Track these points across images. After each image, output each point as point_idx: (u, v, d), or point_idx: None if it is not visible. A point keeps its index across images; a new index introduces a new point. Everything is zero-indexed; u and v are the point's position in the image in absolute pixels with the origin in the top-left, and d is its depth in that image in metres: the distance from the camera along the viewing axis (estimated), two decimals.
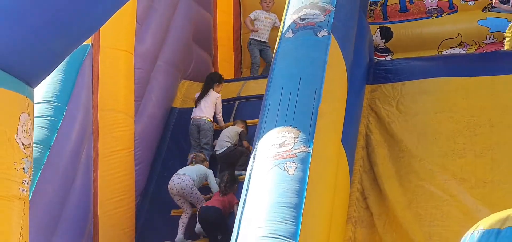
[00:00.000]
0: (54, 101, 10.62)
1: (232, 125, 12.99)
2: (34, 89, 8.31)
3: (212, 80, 13.31)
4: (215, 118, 13.17)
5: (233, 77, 15.44)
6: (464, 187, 10.96)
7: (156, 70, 13.29)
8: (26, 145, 7.99)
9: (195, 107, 13.11)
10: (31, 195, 8.61)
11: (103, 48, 11.74)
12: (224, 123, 13.24)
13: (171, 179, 11.90)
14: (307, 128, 9.41)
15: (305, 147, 9.19)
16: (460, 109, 12.02)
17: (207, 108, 13.02)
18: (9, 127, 7.76)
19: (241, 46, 16.12)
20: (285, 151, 9.11)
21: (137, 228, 12.17)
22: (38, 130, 9.95)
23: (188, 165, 12.33)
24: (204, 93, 13.11)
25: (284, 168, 8.90)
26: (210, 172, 12.06)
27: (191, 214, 11.93)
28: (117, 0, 8.50)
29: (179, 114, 13.78)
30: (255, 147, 9.54)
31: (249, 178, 9.16)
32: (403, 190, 11.14)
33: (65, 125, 10.61)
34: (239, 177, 11.69)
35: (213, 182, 11.97)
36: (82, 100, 11.21)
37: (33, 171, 8.54)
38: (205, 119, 12.96)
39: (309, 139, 9.29)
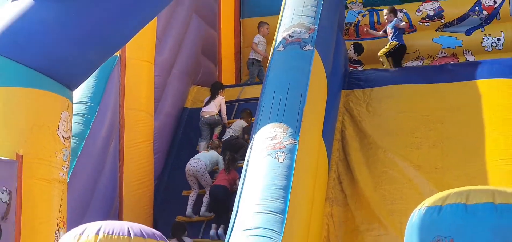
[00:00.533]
0: (88, 102, 10.58)
1: (239, 119, 12.97)
2: (73, 91, 8.35)
3: (216, 88, 13.34)
4: (220, 116, 13.17)
5: (234, 83, 15.38)
6: (420, 172, 11.03)
7: (171, 77, 13.25)
8: (65, 138, 8.04)
9: (204, 106, 13.19)
10: (69, 178, 8.60)
11: (129, 59, 11.72)
12: (228, 120, 13.25)
13: (189, 162, 11.92)
14: (294, 124, 9.47)
15: (293, 139, 9.24)
16: (418, 110, 12.02)
17: (213, 107, 13.07)
18: (52, 122, 7.83)
19: (241, 59, 16.02)
20: (276, 143, 9.18)
21: (154, 206, 12.10)
22: (75, 125, 9.83)
23: (202, 151, 12.36)
24: (212, 98, 13.18)
25: (275, 157, 8.97)
26: (221, 158, 12.07)
27: (198, 193, 11.94)
28: (144, 18, 8.54)
29: (189, 113, 13.69)
30: (252, 139, 9.60)
31: (247, 165, 9.19)
32: (371, 176, 11.18)
33: (97, 121, 10.58)
34: (238, 164, 11.60)
35: (222, 166, 11.95)
36: (111, 101, 11.18)
37: (71, 159, 8.60)
38: (214, 115, 13.02)
39: (296, 133, 9.34)
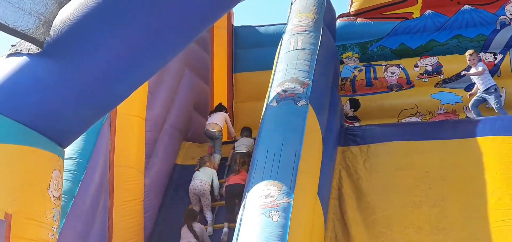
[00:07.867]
0: (77, 158, 10.59)
1: (245, 137, 13.75)
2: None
3: (221, 107, 14.21)
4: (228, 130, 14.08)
5: (226, 140, 15.34)
6: (421, 235, 10.96)
7: (163, 133, 13.38)
8: (56, 197, 8.05)
9: (208, 118, 14.00)
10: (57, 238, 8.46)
11: (119, 114, 11.81)
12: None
13: (192, 182, 12.62)
14: (289, 182, 9.50)
15: (287, 198, 9.27)
16: (417, 167, 12.02)
17: (217, 121, 13.77)
18: (43, 182, 7.84)
19: (233, 114, 16.12)
20: (270, 201, 9.22)
21: None
22: (64, 182, 9.48)
23: (195, 170, 12.92)
24: (215, 111, 14.04)
25: (269, 216, 8.99)
26: (215, 173, 12.85)
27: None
28: (140, 78, 8.64)
29: (181, 169, 13.85)
30: (245, 197, 9.62)
31: (240, 224, 9.23)
32: (369, 236, 11.10)
33: (86, 179, 10.60)
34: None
35: (216, 180, 12.77)
36: (101, 157, 11.22)
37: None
38: (215, 132, 13.71)
39: (290, 192, 9.38)
